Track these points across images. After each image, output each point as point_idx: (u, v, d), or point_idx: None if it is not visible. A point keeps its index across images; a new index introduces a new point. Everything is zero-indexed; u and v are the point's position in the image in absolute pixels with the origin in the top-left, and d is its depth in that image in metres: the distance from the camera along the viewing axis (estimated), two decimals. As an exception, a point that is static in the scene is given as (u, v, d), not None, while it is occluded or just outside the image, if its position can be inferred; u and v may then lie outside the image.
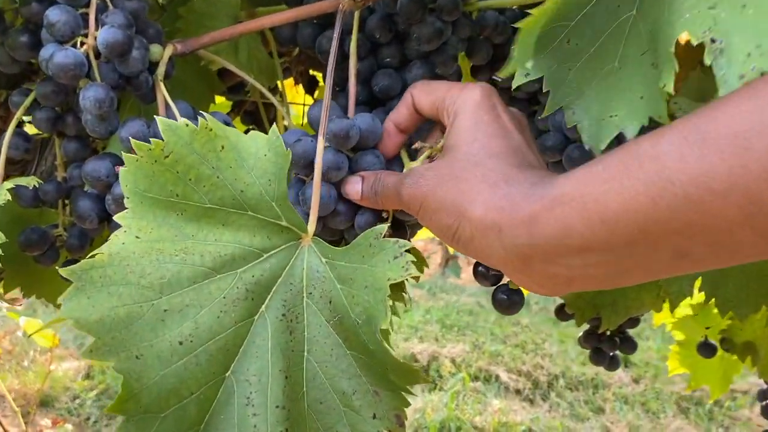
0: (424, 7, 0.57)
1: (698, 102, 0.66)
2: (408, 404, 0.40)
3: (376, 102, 0.61)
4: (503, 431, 2.47)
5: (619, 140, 0.41)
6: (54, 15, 0.50)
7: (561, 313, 0.86)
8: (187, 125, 0.39)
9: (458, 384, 2.83)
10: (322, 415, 0.40)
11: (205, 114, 0.41)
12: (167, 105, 0.53)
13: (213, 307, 0.39)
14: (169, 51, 0.56)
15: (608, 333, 0.92)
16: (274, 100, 0.63)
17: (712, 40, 0.37)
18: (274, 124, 0.43)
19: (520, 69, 0.44)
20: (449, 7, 0.57)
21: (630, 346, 0.92)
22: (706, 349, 0.95)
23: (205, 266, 0.39)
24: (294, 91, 0.98)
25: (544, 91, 0.44)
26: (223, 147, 0.40)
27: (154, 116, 0.42)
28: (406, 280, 0.39)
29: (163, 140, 0.39)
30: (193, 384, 0.37)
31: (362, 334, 0.39)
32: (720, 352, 0.96)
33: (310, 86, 0.92)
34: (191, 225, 0.40)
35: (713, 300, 0.64)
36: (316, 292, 0.41)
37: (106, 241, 0.41)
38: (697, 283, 0.60)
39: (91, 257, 0.38)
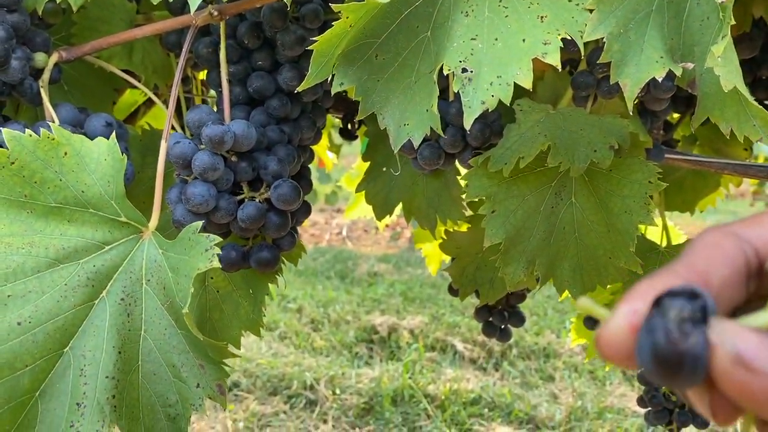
0: (285, 16, 0.62)
1: (551, 100, 0.72)
2: (227, 375, 0.47)
3: (255, 102, 0.67)
4: (453, 399, 2.57)
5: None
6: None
7: (451, 289, 0.93)
8: (30, 135, 0.45)
9: (414, 354, 2.92)
10: (155, 385, 0.47)
11: (50, 123, 0.47)
12: (49, 108, 0.59)
13: (54, 293, 0.45)
14: (53, 59, 0.61)
15: (499, 308, 1.00)
16: (158, 102, 0.69)
17: (463, 70, 0.43)
18: (113, 135, 0.49)
19: (335, 83, 0.50)
20: (311, 16, 0.63)
21: (518, 319, 1.00)
22: (590, 322, 1.03)
23: (49, 257, 0.46)
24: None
25: (354, 98, 0.51)
26: (66, 153, 0.46)
27: (2, 128, 0.47)
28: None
29: (7, 149, 0.45)
30: (28, 358, 0.43)
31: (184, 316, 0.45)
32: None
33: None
34: (40, 221, 0.46)
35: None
36: (153, 279, 0.48)
37: None
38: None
39: (-57, 251, 0.44)
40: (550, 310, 3.40)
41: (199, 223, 0.46)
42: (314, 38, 0.52)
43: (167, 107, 0.69)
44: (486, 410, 2.54)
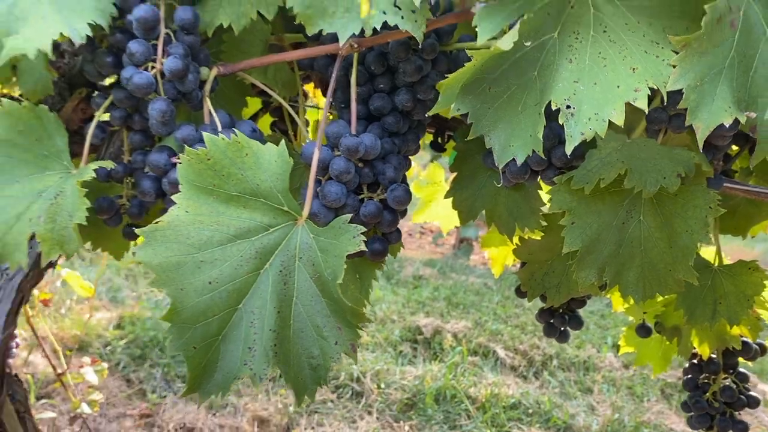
0: (408, 48, 0.75)
1: (627, 130, 0.83)
2: (359, 337, 0.59)
3: (373, 118, 0.80)
4: (494, 401, 2.66)
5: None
6: (134, 46, 0.69)
7: (519, 291, 1.04)
8: (223, 139, 0.58)
9: (457, 356, 3.02)
10: (303, 340, 0.59)
11: (236, 130, 0.60)
12: (211, 113, 0.73)
13: (232, 262, 0.58)
14: (214, 72, 0.75)
15: (560, 311, 1.10)
16: (292, 112, 0.82)
17: (567, 107, 0.54)
18: (283, 141, 0.61)
19: (453, 108, 0.62)
20: (428, 49, 0.75)
21: (577, 322, 1.10)
22: (643, 330, 1.12)
23: (230, 234, 0.59)
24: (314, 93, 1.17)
25: (468, 122, 0.62)
26: (247, 154, 0.59)
27: (203, 132, 0.60)
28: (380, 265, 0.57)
29: (206, 148, 0.58)
30: (216, 309, 0.56)
31: (331, 287, 0.58)
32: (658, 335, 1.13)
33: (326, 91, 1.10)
34: (223, 206, 0.59)
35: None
36: (305, 257, 0.60)
37: (159, 210, 0.59)
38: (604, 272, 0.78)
39: (155, 223, 0.57)
40: (593, 325, 3.45)
41: (349, 216, 0.59)
42: (428, 66, 0.63)
43: (298, 115, 0.83)
44: (524, 415, 2.63)
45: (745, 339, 1.01)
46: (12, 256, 0.71)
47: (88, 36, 0.65)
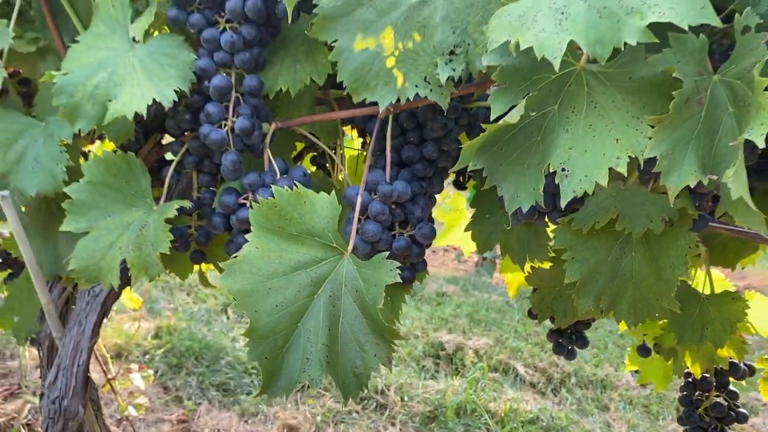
0: (434, 110, 0.89)
1: (621, 178, 0.96)
2: (394, 350, 0.73)
3: (404, 164, 0.94)
4: (513, 416, 2.77)
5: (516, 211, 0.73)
6: (210, 108, 0.84)
7: (531, 313, 1.17)
8: (287, 190, 0.73)
9: (478, 372, 3.14)
10: (348, 353, 0.73)
11: (297, 184, 0.75)
12: (270, 161, 0.88)
13: (293, 289, 0.73)
14: (273, 128, 0.90)
15: (569, 331, 1.23)
16: (332, 154, 0.97)
17: (563, 170, 0.68)
18: (333, 192, 0.76)
19: (471, 164, 0.76)
20: (452, 110, 0.89)
21: (583, 342, 1.22)
22: (643, 350, 1.25)
23: (291, 266, 0.73)
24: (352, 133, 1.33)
25: (484, 176, 0.76)
26: (305, 202, 0.74)
27: (271, 185, 0.75)
28: (407, 286, 0.71)
29: (274, 198, 0.73)
30: (281, 327, 0.70)
31: (371, 309, 0.72)
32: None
33: (362, 133, 1.25)
34: (285, 243, 0.74)
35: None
36: (349, 284, 0.75)
37: (222, 240, 0.74)
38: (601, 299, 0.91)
39: (234, 257, 0.72)
40: (611, 344, 3.54)
41: (387, 253, 0.73)
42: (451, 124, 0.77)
43: (339, 160, 0.97)
44: (542, 430, 2.73)
45: (733, 360, 1.13)
46: (106, 277, 0.87)
47: (172, 99, 0.81)
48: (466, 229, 1.07)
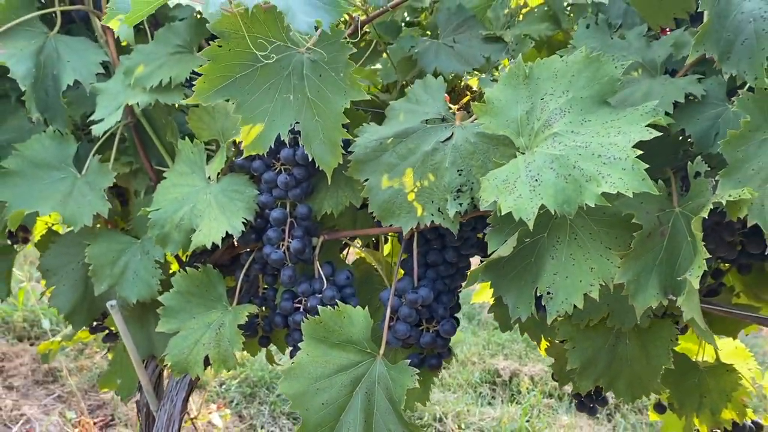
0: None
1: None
2: (418, 437, 0.92)
3: (429, 266, 1.12)
4: (565, 445, 2.88)
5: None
6: (271, 233, 1.05)
7: (554, 377, 1.33)
8: (330, 309, 0.93)
9: (533, 399, 3.26)
10: (381, 438, 0.92)
11: (339, 303, 0.94)
12: (318, 270, 1.08)
13: (336, 388, 0.92)
14: (321, 240, 1.10)
15: (589, 393, 1.38)
16: (368, 252, 1.16)
17: (548, 293, 0.85)
18: (367, 308, 0.95)
19: (479, 278, 0.94)
20: (467, 226, 1.07)
21: (602, 401, 1.37)
22: (659, 408, 1.38)
23: (334, 369, 0.93)
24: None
25: (490, 287, 0.93)
26: (344, 317, 0.93)
27: (318, 306, 0.95)
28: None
29: (320, 316, 0.93)
30: (327, 422, 0.90)
31: (398, 405, 0.91)
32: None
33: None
34: (329, 350, 0.93)
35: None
36: (381, 383, 0.94)
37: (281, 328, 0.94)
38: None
39: (291, 364, 0.92)
40: (667, 368, 3.59)
41: (409, 360, 0.91)
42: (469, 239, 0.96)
43: (380, 266, 1.16)
44: (595, 458, 2.83)
45: (735, 422, 1.25)
46: (193, 369, 1.08)
47: (243, 234, 1.02)
48: (489, 311, 1.24)
